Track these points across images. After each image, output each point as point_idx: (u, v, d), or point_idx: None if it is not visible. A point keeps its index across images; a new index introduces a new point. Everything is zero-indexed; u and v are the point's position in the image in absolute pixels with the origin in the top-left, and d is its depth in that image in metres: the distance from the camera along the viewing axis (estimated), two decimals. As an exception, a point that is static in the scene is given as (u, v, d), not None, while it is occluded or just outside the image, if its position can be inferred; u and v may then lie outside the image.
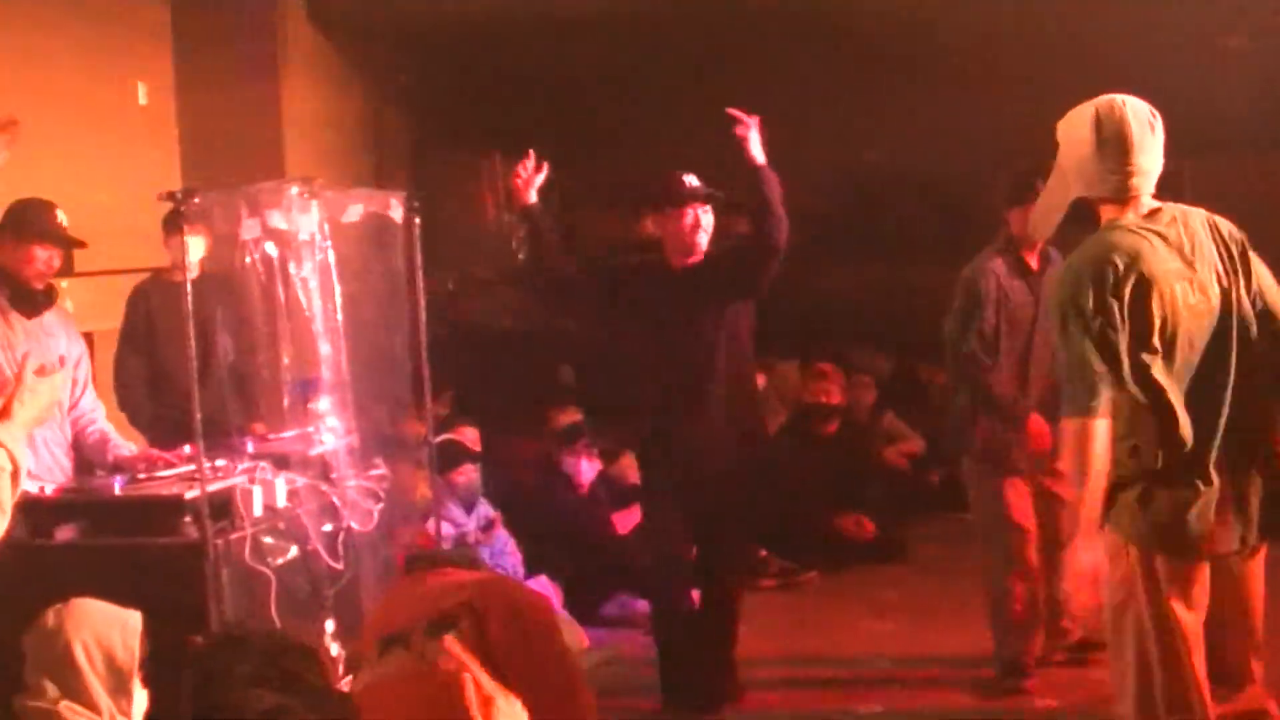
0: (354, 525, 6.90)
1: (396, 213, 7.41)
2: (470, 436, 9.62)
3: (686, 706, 7.40)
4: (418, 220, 7.56)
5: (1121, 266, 4.81)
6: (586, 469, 9.88)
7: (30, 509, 6.19)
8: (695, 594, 7.61)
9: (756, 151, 7.21)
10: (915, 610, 8.42)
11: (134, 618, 4.43)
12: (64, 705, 4.28)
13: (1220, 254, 4.94)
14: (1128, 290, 4.80)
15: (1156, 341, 4.82)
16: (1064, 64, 13.00)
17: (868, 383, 12.35)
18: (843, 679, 7.90)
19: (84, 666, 4.31)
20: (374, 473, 7.25)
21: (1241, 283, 4.94)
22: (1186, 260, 4.87)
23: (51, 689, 4.24)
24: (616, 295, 7.59)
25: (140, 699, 4.62)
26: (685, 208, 7.40)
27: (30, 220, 6.86)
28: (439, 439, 8.82)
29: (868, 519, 10.61)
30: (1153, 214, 4.94)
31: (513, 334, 14.17)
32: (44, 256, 6.84)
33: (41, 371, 4.03)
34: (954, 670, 7.76)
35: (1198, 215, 5.01)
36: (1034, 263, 7.53)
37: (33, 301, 6.89)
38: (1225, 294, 4.91)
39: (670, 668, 7.48)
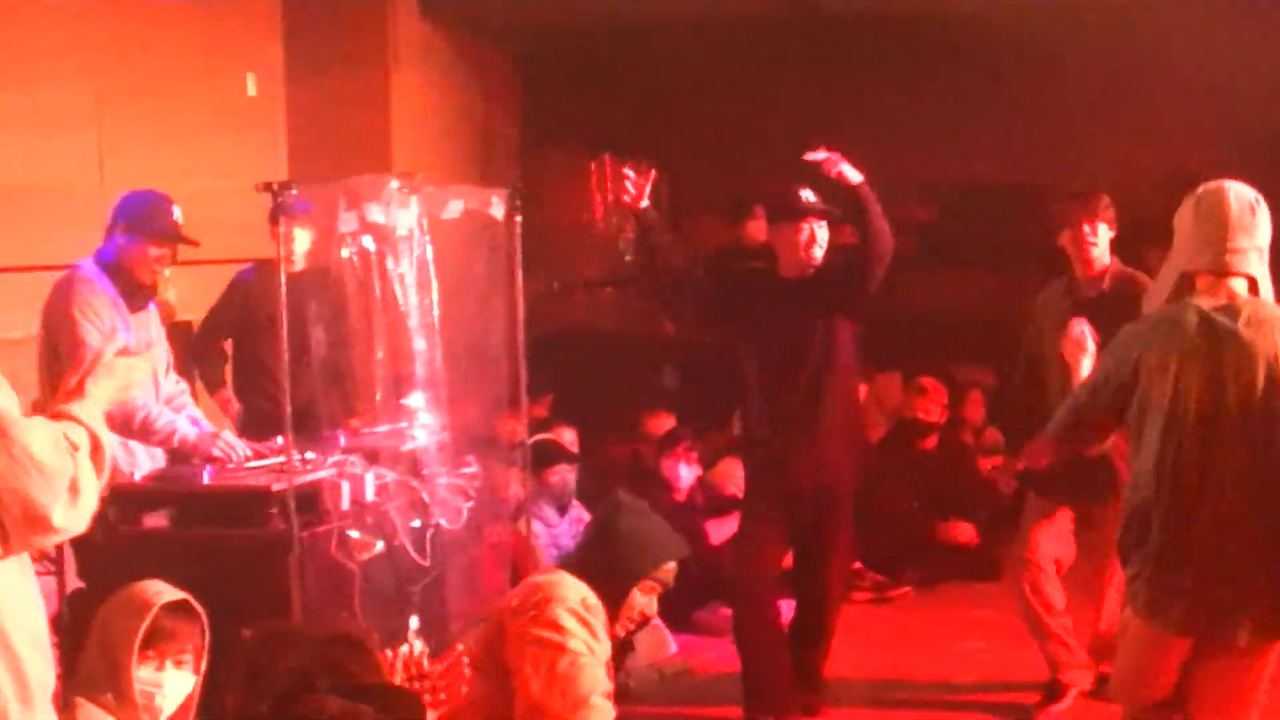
0: (442, 522, 6.87)
1: (497, 210, 7.39)
2: (568, 438, 9.60)
3: (764, 717, 7.32)
4: (519, 218, 7.52)
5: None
6: (685, 474, 9.82)
7: (118, 495, 6.23)
8: (786, 606, 7.55)
9: (851, 173, 7.13)
10: (1007, 629, 8.30)
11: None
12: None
13: None
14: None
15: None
16: (1177, 79, 12.90)
17: (976, 398, 12.21)
18: (928, 697, 7.82)
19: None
20: (465, 470, 7.22)
21: None
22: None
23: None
24: (727, 300, 7.58)
25: (184, 684, 4.63)
26: (801, 222, 7.37)
27: (148, 217, 6.89)
28: (535, 439, 8.81)
29: (974, 526, 10.51)
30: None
31: (615, 336, 14.13)
32: (157, 254, 6.88)
33: (124, 353, 4.01)
34: (1039, 693, 7.63)
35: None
36: (1089, 289, 7.38)
37: (141, 296, 6.92)
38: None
39: (751, 678, 7.42)
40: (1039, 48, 13.00)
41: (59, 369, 6.51)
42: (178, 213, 6.95)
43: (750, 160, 14.86)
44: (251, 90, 10.96)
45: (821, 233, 7.40)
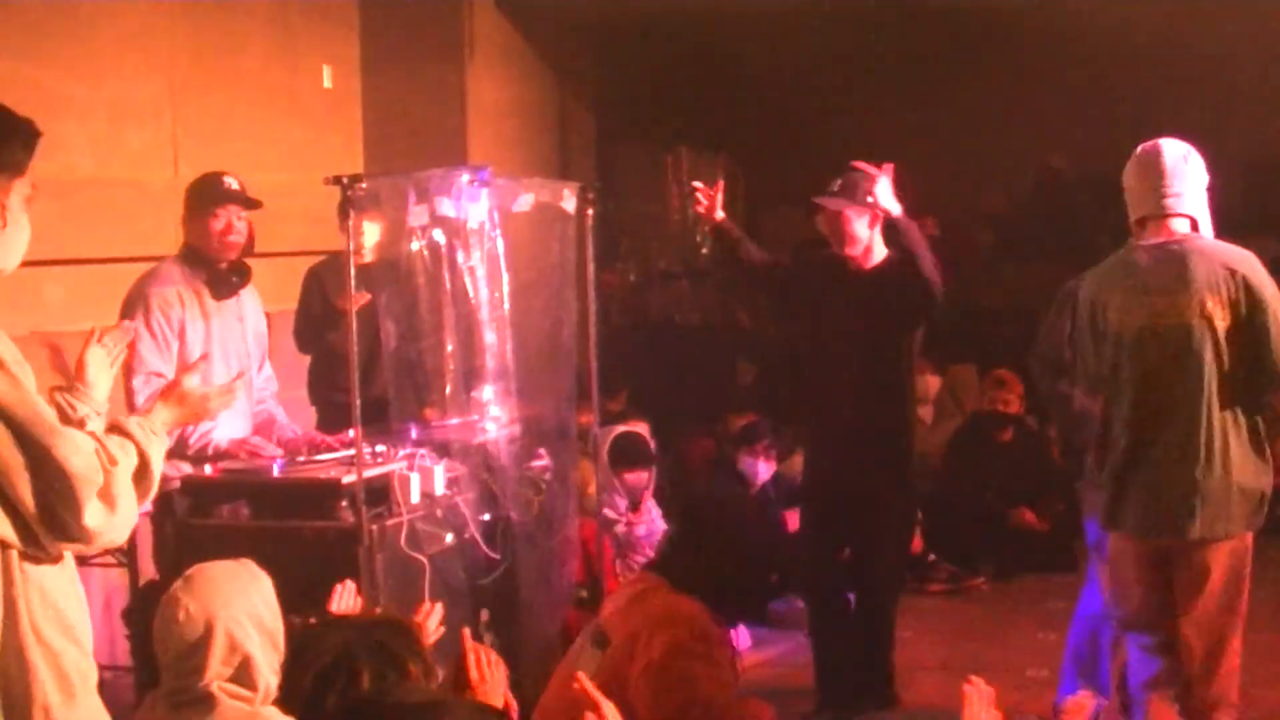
0: (513, 515, 6.87)
1: (569, 203, 7.36)
2: (642, 431, 9.57)
3: (838, 709, 7.29)
4: (591, 211, 7.51)
5: None
6: (763, 470, 9.80)
7: (190, 487, 6.26)
8: (850, 597, 7.52)
9: (890, 204, 7.03)
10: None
11: (256, 572, 4.39)
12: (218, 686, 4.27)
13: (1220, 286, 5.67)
14: None
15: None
16: (1252, 70, 12.79)
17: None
18: (1001, 688, 7.72)
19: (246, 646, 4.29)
20: (536, 464, 7.22)
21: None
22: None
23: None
24: (797, 292, 7.52)
25: None
26: (822, 211, 7.31)
27: (201, 190, 6.95)
28: (616, 432, 8.79)
29: (1047, 514, 10.44)
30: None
31: (691, 328, 14.11)
32: (223, 218, 6.87)
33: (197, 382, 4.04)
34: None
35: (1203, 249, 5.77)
36: None
37: (227, 283, 6.93)
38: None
39: (824, 669, 7.40)
40: (1116, 38, 12.94)
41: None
42: (231, 181, 6.96)
43: (828, 152, 14.85)
44: (327, 83, 10.98)
45: (854, 225, 7.23)
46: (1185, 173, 5.79)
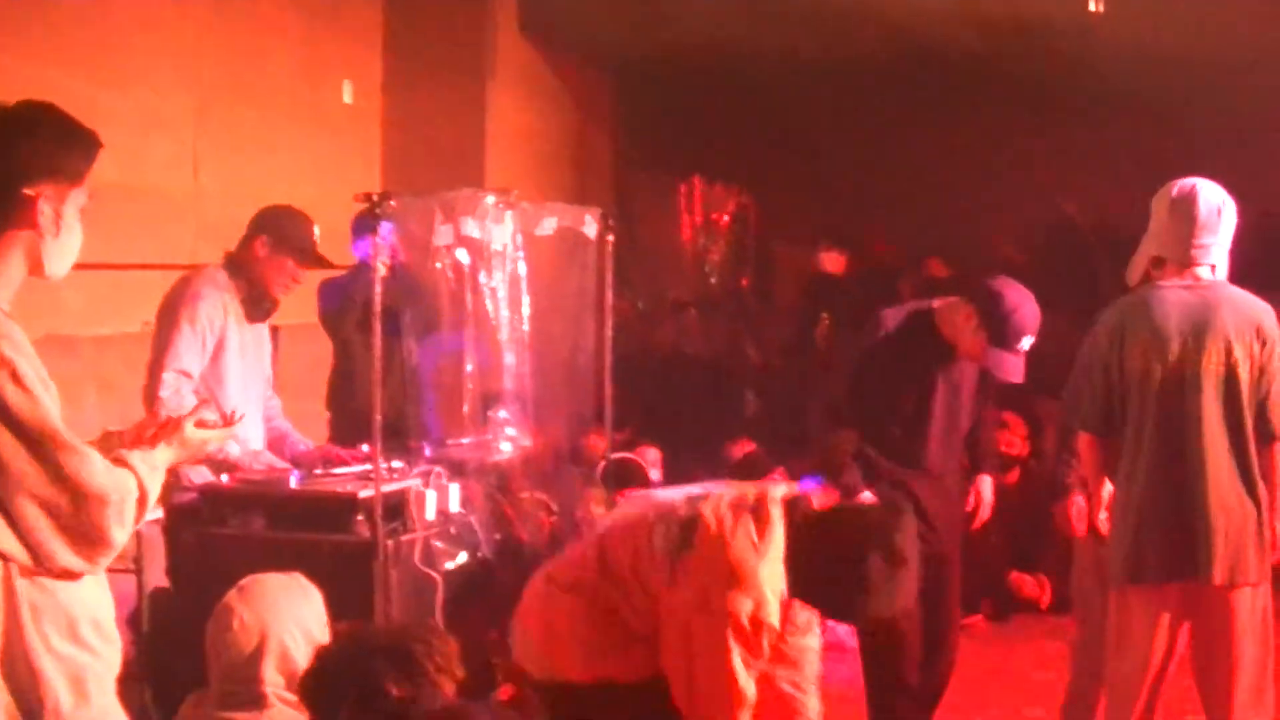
0: (523, 536, 6.89)
1: (590, 229, 7.40)
2: (651, 458, 9.60)
3: None
4: (611, 238, 7.54)
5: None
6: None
7: (207, 497, 6.28)
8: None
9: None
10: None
11: (306, 585, 4.42)
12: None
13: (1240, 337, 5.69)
14: None
15: None
16: (1260, 122, 12.85)
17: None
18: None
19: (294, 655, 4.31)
20: (549, 486, 7.25)
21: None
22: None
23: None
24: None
25: None
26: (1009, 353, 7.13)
27: (294, 234, 6.92)
28: (616, 456, 8.82)
29: (1047, 579, 10.43)
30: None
31: (699, 359, 14.13)
32: (294, 272, 6.92)
33: (203, 424, 4.03)
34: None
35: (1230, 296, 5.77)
36: None
37: (261, 307, 6.96)
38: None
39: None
40: (1132, 90, 12.98)
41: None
42: (317, 233, 7.00)
43: (840, 190, 14.93)
44: (348, 98, 11.04)
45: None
46: (1218, 225, 5.77)
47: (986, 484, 7.39)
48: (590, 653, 4.95)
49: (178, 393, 6.51)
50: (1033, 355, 6.57)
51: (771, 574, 4.81)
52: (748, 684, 4.79)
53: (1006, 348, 6.62)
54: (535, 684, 5.19)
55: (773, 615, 4.78)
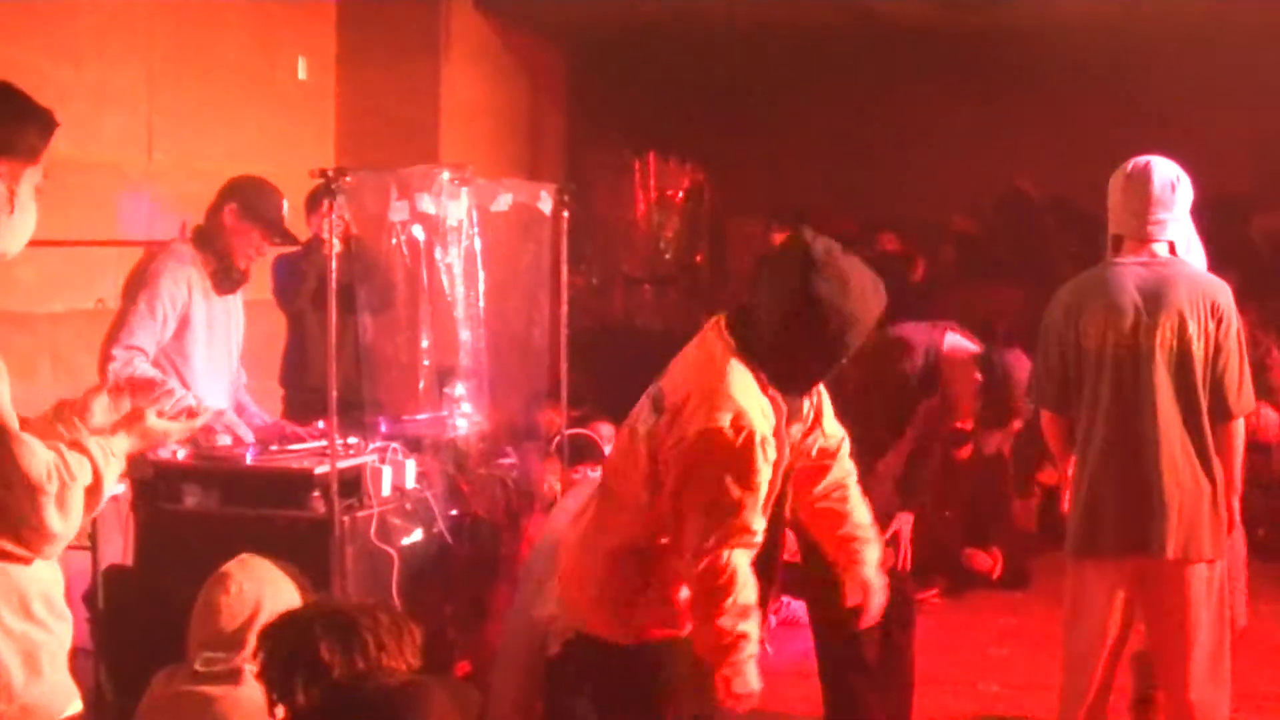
0: (479, 512, 6.91)
1: (546, 205, 7.39)
2: (606, 434, 9.58)
3: None
4: (566, 213, 7.54)
5: None
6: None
7: (163, 474, 6.27)
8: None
9: None
10: (1033, 637, 8.32)
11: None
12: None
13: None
14: None
15: None
16: (1213, 96, 12.93)
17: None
18: (952, 702, 7.81)
19: None
20: (504, 461, 7.26)
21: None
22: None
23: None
24: None
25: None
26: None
27: (263, 205, 6.95)
28: (571, 432, 8.83)
29: (1001, 554, 10.48)
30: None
31: (653, 333, 14.14)
32: (259, 243, 6.93)
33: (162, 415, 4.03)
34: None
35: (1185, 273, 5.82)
36: None
37: (230, 280, 6.96)
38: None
39: None
40: (1084, 64, 13.06)
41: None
42: (286, 207, 7.01)
43: (793, 164, 14.95)
44: (302, 74, 11.01)
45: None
46: (1171, 200, 5.79)
47: (907, 523, 7.43)
48: (629, 611, 4.83)
49: (128, 364, 6.51)
50: (989, 331, 6.66)
51: (742, 388, 4.61)
52: (750, 515, 4.58)
53: (999, 425, 6.83)
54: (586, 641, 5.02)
55: (756, 424, 4.55)
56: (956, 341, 6.99)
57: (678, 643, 4.77)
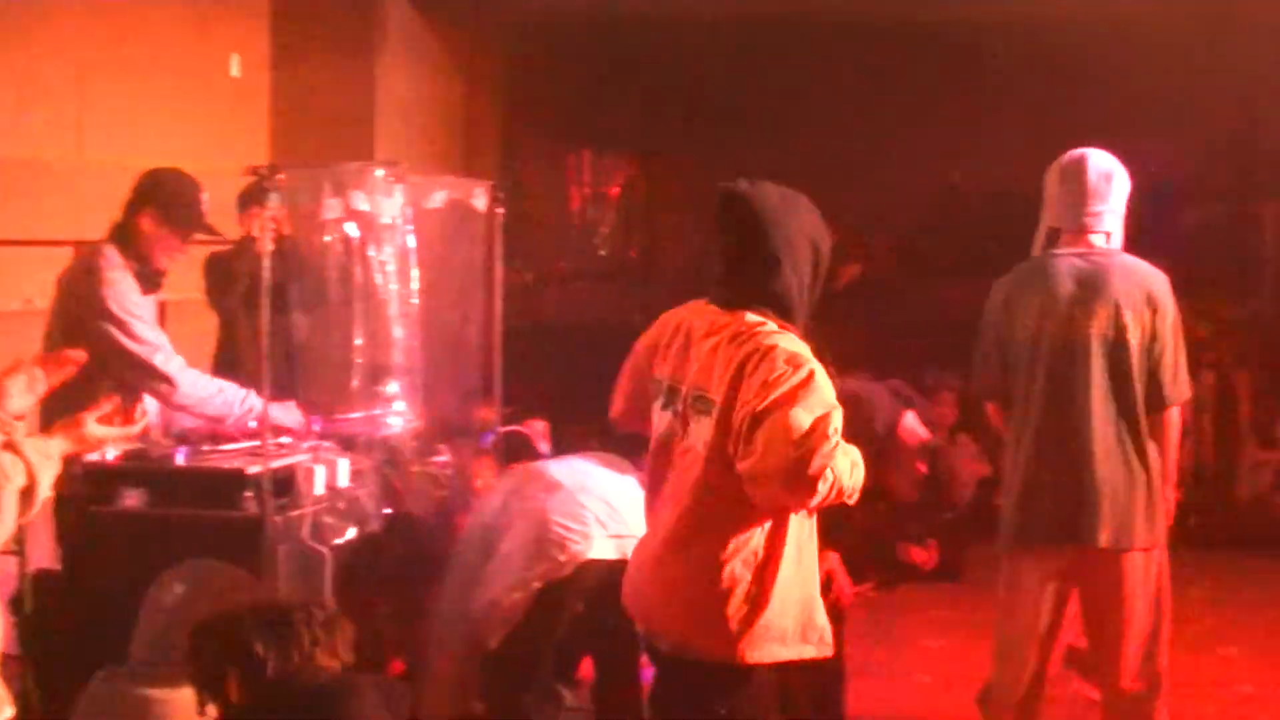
0: (413, 511, 6.88)
1: (480, 201, 7.40)
2: (539, 430, 9.56)
3: None
4: (501, 210, 7.53)
5: None
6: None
7: (92, 474, 6.21)
8: None
9: None
10: (966, 628, 8.38)
11: None
12: None
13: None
14: None
15: None
16: (1161, 96, 13.01)
17: (949, 400, 12.14)
18: (886, 694, 7.85)
19: None
20: (438, 459, 7.24)
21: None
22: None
23: None
24: None
25: None
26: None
27: (183, 206, 6.74)
28: (506, 430, 8.81)
29: (937, 547, 10.50)
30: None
31: (588, 329, 14.12)
32: (180, 245, 6.80)
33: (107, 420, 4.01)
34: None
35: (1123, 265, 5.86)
36: None
37: (152, 279, 6.85)
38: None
39: None
40: (1020, 57, 13.10)
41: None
42: (205, 198, 6.85)
43: (727, 159, 14.95)
44: (235, 71, 10.93)
45: None
46: (1108, 191, 5.86)
47: (834, 562, 7.46)
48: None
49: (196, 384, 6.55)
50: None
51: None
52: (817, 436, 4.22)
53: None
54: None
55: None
56: (912, 425, 6.87)
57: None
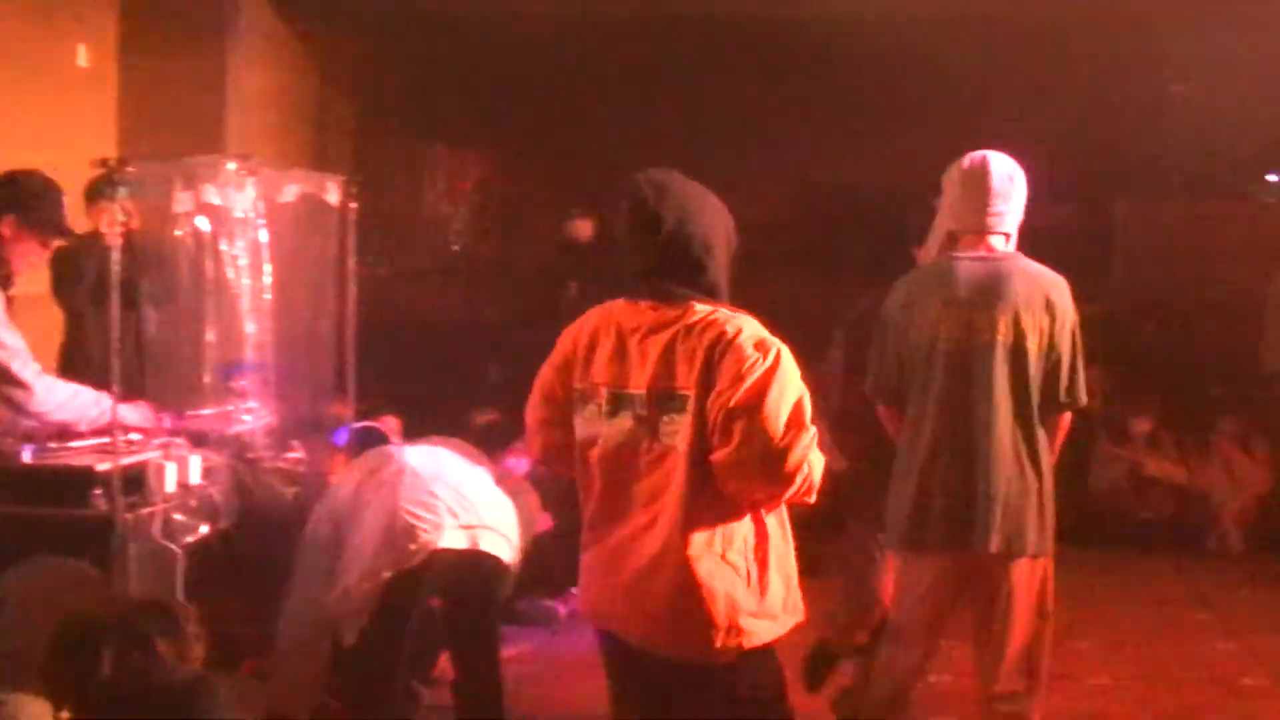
0: (267, 507, 6.82)
1: (332, 196, 7.38)
2: (392, 426, 9.53)
3: None
4: (353, 205, 7.50)
5: None
6: (517, 466, 9.79)
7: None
8: None
9: None
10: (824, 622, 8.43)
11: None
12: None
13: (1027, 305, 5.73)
14: None
15: None
16: (1015, 94, 13.17)
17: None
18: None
19: None
20: (291, 455, 7.19)
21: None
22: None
23: None
24: None
25: None
26: None
27: (44, 212, 6.49)
28: (359, 425, 8.76)
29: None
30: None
31: (440, 324, 14.10)
32: (40, 250, 6.63)
33: None
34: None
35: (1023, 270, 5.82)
36: None
37: (6, 280, 6.71)
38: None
39: None
40: (876, 54, 13.19)
41: None
42: (65, 202, 6.63)
43: (582, 156, 14.97)
44: (82, 61, 10.79)
45: None
46: (1010, 191, 5.84)
47: None
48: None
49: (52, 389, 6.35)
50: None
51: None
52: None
53: None
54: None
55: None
56: None
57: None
